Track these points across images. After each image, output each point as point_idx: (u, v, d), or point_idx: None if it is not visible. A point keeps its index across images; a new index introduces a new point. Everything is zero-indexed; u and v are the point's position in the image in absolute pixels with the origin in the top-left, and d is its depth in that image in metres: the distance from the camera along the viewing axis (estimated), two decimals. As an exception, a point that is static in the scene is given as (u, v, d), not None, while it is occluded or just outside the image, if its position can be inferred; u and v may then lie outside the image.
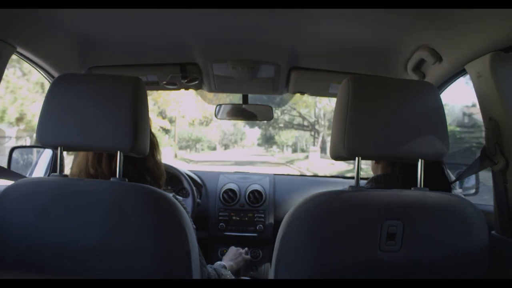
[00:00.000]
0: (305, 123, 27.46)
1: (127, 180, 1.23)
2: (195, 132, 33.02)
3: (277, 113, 25.69)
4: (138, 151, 1.22)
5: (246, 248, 2.25)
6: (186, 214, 1.22)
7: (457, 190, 1.75)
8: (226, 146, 45.57)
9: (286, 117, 28.27)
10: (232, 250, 2.16)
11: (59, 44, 1.83)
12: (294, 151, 33.75)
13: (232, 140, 45.84)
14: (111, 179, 1.22)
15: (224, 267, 1.75)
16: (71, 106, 1.19)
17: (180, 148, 31.24)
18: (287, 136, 34.45)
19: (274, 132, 35.74)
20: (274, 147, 39.93)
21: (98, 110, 1.18)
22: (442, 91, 1.90)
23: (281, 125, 30.38)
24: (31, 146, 2.48)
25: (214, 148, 41.19)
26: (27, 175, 2.32)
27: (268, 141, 39.81)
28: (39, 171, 2.38)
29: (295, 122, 28.72)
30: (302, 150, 31.50)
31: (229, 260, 2.03)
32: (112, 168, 1.38)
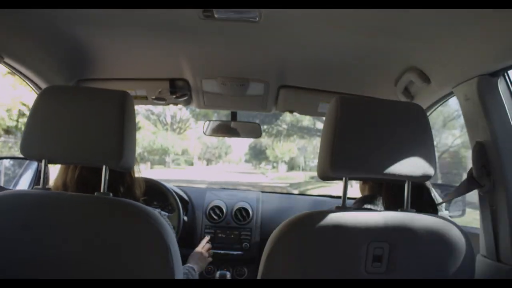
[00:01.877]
0: (318, 126, 22.19)
1: (111, 194, 1.21)
2: (159, 139, 26.39)
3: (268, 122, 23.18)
4: (124, 165, 1.20)
5: (208, 244, 2.24)
6: (170, 231, 1.20)
7: (444, 212, 1.76)
8: (208, 161, 40.79)
9: (288, 119, 23.28)
10: (197, 253, 2.16)
11: (48, 55, 1.82)
12: (290, 168, 30.18)
13: (215, 154, 40.85)
14: (95, 193, 1.20)
15: (193, 269, 1.81)
16: (57, 119, 1.18)
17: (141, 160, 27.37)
18: (283, 149, 29.77)
19: (267, 145, 31.40)
20: (263, 163, 36.13)
21: (85, 123, 1.17)
22: (431, 113, 1.91)
23: (279, 130, 25.77)
24: (14, 158, 2.43)
25: (191, 163, 36.56)
26: (11, 187, 2.29)
27: (257, 156, 36.07)
28: (24, 183, 2.34)
29: (300, 125, 24.50)
30: (300, 168, 28.33)
31: (194, 263, 2.04)
32: (75, 181, 1.36)
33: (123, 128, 1.17)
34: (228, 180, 21.24)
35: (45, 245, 1.12)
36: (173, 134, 28.67)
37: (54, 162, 1.26)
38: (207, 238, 2.29)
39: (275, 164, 33.81)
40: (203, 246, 2.18)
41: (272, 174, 30.04)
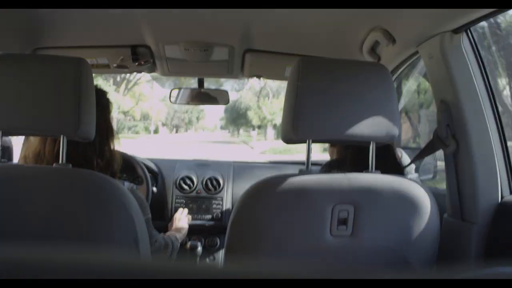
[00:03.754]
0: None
1: (70, 165, 1.17)
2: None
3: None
4: (82, 135, 1.16)
5: (185, 211, 2.32)
6: (134, 200, 1.17)
7: (414, 175, 1.77)
8: (176, 128, 36.23)
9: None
10: (175, 219, 2.23)
11: (1, 23, 1.73)
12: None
13: (185, 119, 36.31)
14: (54, 164, 1.17)
15: (175, 237, 1.83)
16: (10, 88, 1.13)
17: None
18: (272, 108, 25.09)
19: (248, 105, 28.00)
20: (242, 129, 32.82)
21: (40, 92, 1.12)
22: (398, 74, 1.90)
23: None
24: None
25: (156, 131, 31.66)
26: None
27: (235, 121, 32.26)
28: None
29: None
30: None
31: (176, 231, 2.08)
32: (55, 153, 1.33)
33: (80, 96, 1.13)
34: (198, 157, 16.04)
35: (5, 218, 1.08)
36: (116, 92, 24.81)
37: (11, 134, 1.24)
38: (185, 210, 2.34)
39: (258, 130, 30.15)
40: (181, 213, 2.25)
41: (258, 143, 25.06)
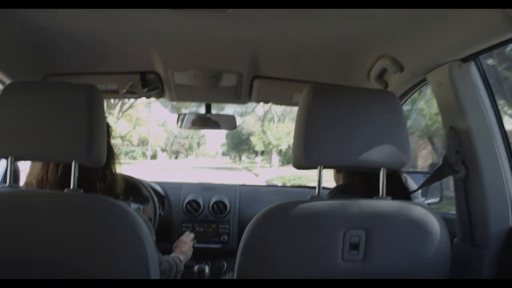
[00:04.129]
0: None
1: (82, 190, 1.18)
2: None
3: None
4: (94, 160, 1.17)
5: (192, 235, 2.29)
6: (144, 224, 1.18)
7: (420, 199, 1.77)
8: (176, 154, 34.61)
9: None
10: (181, 241, 2.20)
11: (12, 51, 1.75)
12: (287, 161, 22.06)
13: (185, 145, 34.91)
14: (65, 190, 1.17)
15: (179, 260, 1.84)
16: (23, 115, 1.14)
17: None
18: (278, 133, 22.70)
19: (250, 131, 26.94)
20: (245, 156, 31.44)
21: (52, 118, 1.14)
22: (405, 100, 1.92)
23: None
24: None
25: (154, 157, 30.33)
26: None
27: (237, 147, 30.97)
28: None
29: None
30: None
31: (181, 253, 2.07)
32: (57, 179, 1.34)
33: (91, 122, 1.14)
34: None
35: (14, 245, 1.09)
36: (110, 115, 24.06)
37: (22, 159, 1.23)
38: (191, 234, 2.32)
39: (262, 156, 28.12)
40: (188, 236, 2.23)
41: (263, 170, 22.83)
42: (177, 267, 1.73)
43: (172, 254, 1.94)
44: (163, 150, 33.07)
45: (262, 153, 27.47)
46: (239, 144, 29.97)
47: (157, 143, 31.07)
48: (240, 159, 33.23)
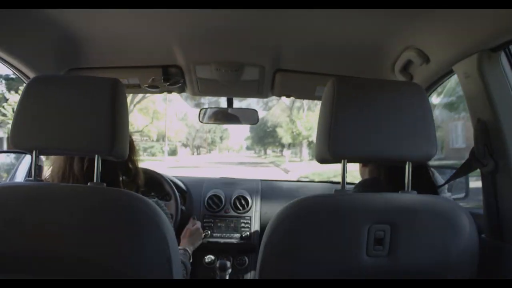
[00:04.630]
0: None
1: (105, 184, 1.19)
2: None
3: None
4: (117, 154, 1.17)
5: (198, 223, 2.25)
6: (166, 219, 1.17)
7: (446, 194, 1.74)
8: (197, 149, 32.65)
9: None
10: (186, 230, 2.15)
11: (37, 45, 1.78)
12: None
13: (207, 140, 33.18)
14: (89, 183, 1.18)
15: (185, 250, 1.83)
16: (46, 109, 1.15)
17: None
18: (309, 122, 20.34)
19: (276, 122, 24.77)
20: (270, 149, 29.65)
21: (75, 112, 1.14)
22: (431, 92, 1.88)
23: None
24: (8, 151, 2.41)
25: (173, 153, 28.41)
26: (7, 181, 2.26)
27: (261, 140, 29.10)
28: (20, 176, 2.31)
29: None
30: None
31: (189, 243, 2.04)
32: (83, 171, 1.35)
33: (114, 116, 1.14)
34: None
35: (38, 238, 1.09)
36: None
37: (45, 153, 1.25)
38: (197, 221, 2.29)
39: (298, 148, 25.25)
40: (192, 223, 2.20)
41: (293, 165, 20.15)
42: (185, 266, 1.72)
43: (180, 248, 1.90)
44: (184, 145, 31.84)
45: (289, 146, 25.75)
46: (264, 137, 28.48)
47: (178, 138, 29.48)
48: (265, 153, 31.64)
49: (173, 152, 28.10)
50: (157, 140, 27.33)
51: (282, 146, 27.11)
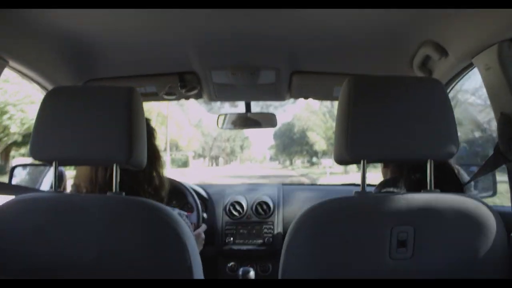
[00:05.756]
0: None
1: (124, 193, 1.19)
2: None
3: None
4: (134, 163, 1.18)
5: (201, 227, 2.17)
6: (187, 228, 1.17)
7: (473, 192, 1.69)
8: (215, 160, 29.59)
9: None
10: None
11: (54, 57, 1.81)
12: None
13: (226, 149, 30.13)
14: (108, 193, 1.18)
15: None
16: (65, 120, 1.16)
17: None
18: None
19: (305, 125, 21.23)
20: (298, 159, 26.26)
21: (92, 122, 1.15)
22: (452, 87, 1.85)
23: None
24: (31, 164, 2.45)
25: (185, 164, 25.08)
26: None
27: (287, 148, 24.94)
28: (45, 185, 2.35)
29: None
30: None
31: None
32: (107, 180, 1.36)
33: (131, 125, 1.15)
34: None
35: (59, 248, 1.10)
36: None
37: (65, 164, 1.27)
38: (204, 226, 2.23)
39: (321, 158, 22.38)
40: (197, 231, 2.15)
41: (334, 178, 18.03)
42: None
43: None
44: (200, 155, 29.05)
45: (322, 154, 22.80)
46: (290, 145, 25.24)
47: (191, 147, 26.46)
48: (291, 163, 28.07)
49: (184, 164, 24.74)
50: (165, 150, 23.72)
51: (314, 154, 23.91)
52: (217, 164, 29.51)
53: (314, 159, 25.50)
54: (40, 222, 1.11)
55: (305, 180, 19.28)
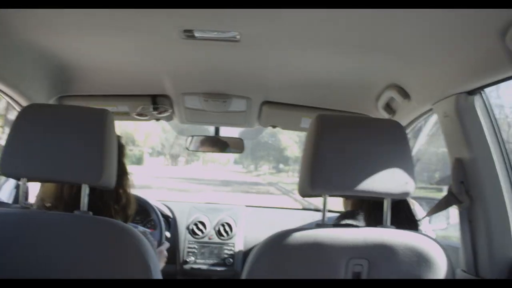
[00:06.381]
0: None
1: (91, 213, 1.20)
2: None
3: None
4: (104, 184, 1.19)
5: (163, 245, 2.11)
6: (151, 249, 1.18)
7: (427, 225, 1.77)
8: (173, 159, 27.38)
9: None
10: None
11: (27, 73, 1.80)
12: None
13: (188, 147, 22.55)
14: (75, 212, 1.19)
15: None
16: (37, 137, 1.17)
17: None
18: None
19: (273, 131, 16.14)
20: (265, 166, 24.06)
21: (65, 141, 1.16)
22: (412, 128, 1.94)
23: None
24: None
25: (140, 161, 23.27)
26: None
27: (252, 153, 22.50)
28: (3, 196, 2.29)
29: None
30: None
31: None
32: (73, 196, 1.34)
33: (103, 146, 1.17)
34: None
35: (24, 264, 1.10)
36: None
37: (34, 180, 1.25)
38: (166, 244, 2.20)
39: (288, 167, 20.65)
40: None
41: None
42: None
43: None
44: (159, 153, 27.47)
45: (295, 161, 20.21)
46: (256, 149, 23.25)
47: (148, 142, 24.77)
48: (256, 168, 25.81)
49: (138, 161, 22.92)
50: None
51: (284, 160, 21.54)
52: (176, 164, 27.83)
53: (281, 166, 24.02)
54: (7, 237, 1.11)
55: (274, 191, 18.12)
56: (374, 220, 1.38)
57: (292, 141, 21.24)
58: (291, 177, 20.13)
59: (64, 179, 1.21)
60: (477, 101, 1.44)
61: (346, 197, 1.68)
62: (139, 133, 23.37)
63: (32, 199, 1.69)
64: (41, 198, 1.40)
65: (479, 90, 1.41)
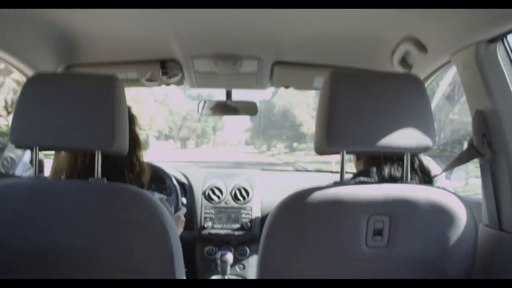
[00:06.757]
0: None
1: (105, 180, 1.20)
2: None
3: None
4: (117, 150, 1.19)
5: (181, 210, 2.14)
6: (168, 214, 1.18)
7: (445, 182, 1.75)
8: (182, 142, 26.58)
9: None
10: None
11: (34, 42, 1.79)
12: None
13: (197, 130, 26.31)
14: (89, 179, 1.19)
15: None
16: (46, 106, 1.16)
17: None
18: None
19: (284, 108, 18.33)
20: (280, 145, 22.79)
21: (75, 109, 1.15)
22: (430, 82, 1.89)
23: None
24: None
25: (144, 145, 16.03)
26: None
27: (265, 132, 21.96)
28: (20, 171, 2.31)
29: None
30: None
31: None
32: (86, 166, 1.36)
33: (114, 112, 1.15)
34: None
35: (41, 234, 1.11)
36: None
37: (46, 149, 1.25)
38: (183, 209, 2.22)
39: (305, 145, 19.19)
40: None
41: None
42: None
43: None
44: (167, 136, 26.80)
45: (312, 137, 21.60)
46: (268, 128, 22.48)
47: (153, 125, 24.22)
48: (268, 148, 24.73)
49: (143, 146, 23.73)
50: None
51: (302, 136, 20.36)
52: (185, 147, 26.88)
53: (295, 144, 23.14)
54: (21, 208, 1.11)
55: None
56: (387, 175, 1.36)
57: (308, 116, 20.52)
58: (308, 156, 19.50)
59: (76, 146, 1.20)
60: (499, 49, 1.38)
61: (358, 156, 1.66)
62: (143, 116, 22.79)
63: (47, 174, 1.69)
64: (55, 170, 1.42)
65: (500, 37, 1.35)
